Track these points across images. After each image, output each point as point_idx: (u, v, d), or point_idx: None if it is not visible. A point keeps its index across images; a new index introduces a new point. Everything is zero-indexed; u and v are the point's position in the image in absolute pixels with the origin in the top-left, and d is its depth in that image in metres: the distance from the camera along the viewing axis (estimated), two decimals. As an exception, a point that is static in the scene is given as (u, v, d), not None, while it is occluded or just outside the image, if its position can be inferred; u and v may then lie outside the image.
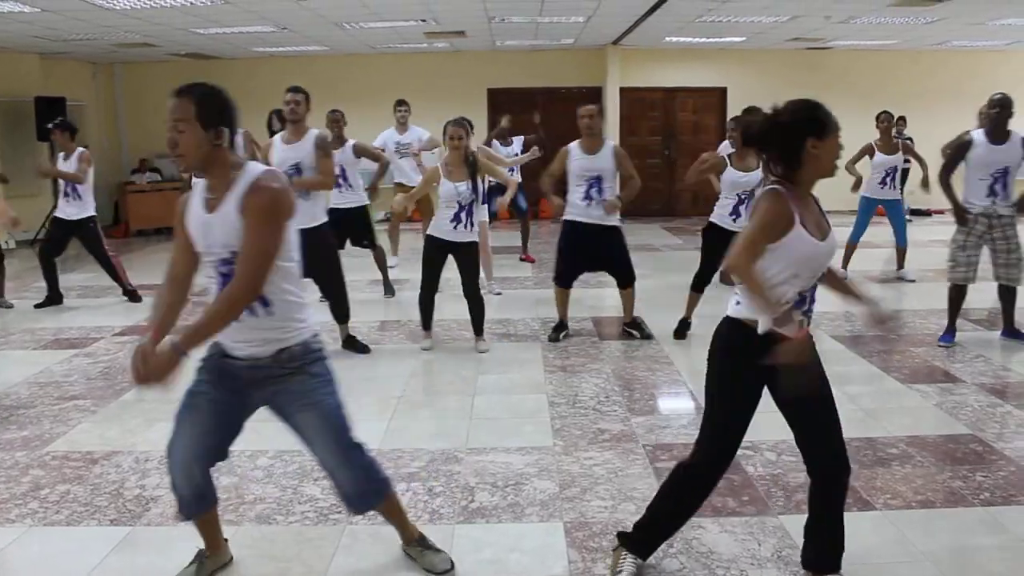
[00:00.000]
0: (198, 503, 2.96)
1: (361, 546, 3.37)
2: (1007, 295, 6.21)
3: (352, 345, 6.29)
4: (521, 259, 10.50)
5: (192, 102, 2.59)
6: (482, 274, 7.09)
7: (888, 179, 8.77)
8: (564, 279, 6.56)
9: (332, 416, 2.84)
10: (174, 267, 2.81)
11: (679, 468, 3.00)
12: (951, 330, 6.27)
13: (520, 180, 9.88)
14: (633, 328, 6.62)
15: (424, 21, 11.49)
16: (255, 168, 2.67)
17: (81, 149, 7.94)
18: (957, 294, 6.19)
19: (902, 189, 14.12)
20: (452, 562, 3.18)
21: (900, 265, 9.00)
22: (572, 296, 6.69)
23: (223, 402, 2.82)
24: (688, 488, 2.99)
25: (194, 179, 2.81)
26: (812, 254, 2.69)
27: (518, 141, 9.95)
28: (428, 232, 6.27)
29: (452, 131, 5.99)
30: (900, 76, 14.94)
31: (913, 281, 8.77)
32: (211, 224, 2.66)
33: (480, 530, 3.49)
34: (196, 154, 2.61)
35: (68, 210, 8.02)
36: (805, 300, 2.76)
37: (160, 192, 13.72)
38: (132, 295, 8.29)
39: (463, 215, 5.99)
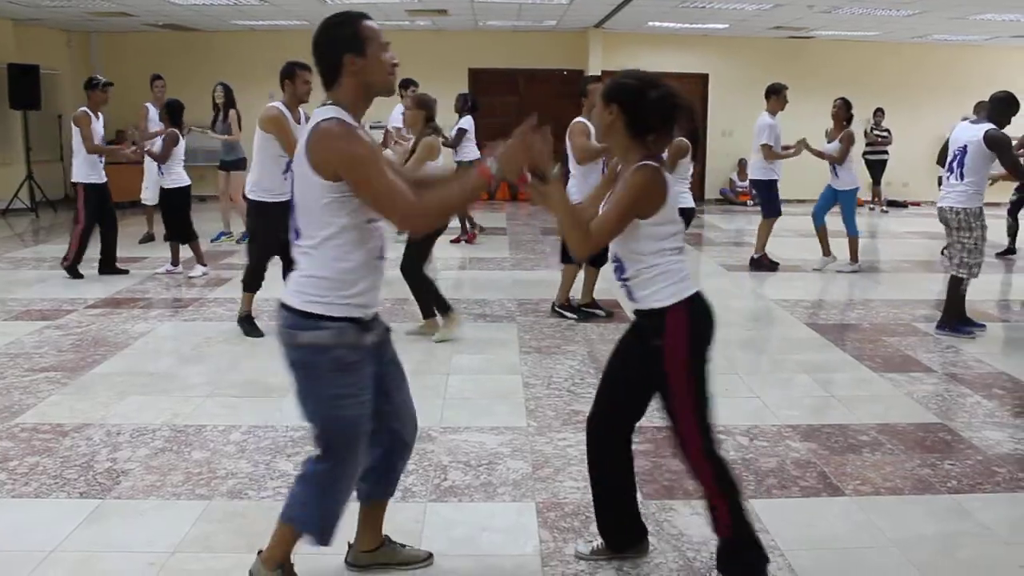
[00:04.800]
0: None
1: (333, 523, 3.35)
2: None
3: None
4: (453, 241, 10.18)
5: None
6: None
7: (832, 166, 8.50)
8: (600, 258, 6.20)
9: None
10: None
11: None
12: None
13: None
14: (595, 308, 6.63)
15: (407, -2, 11.41)
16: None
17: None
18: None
19: (879, 180, 14.37)
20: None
21: (852, 257, 8.72)
22: (547, 278, 6.69)
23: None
24: None
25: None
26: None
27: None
28: None
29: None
30: (881, 68, 15.03)
31: (856, 271, 8.66)
32: None
33: (452, 509, 3.50)
34: None
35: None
36: None
37: (137, 165, 13.51)
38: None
39: None
